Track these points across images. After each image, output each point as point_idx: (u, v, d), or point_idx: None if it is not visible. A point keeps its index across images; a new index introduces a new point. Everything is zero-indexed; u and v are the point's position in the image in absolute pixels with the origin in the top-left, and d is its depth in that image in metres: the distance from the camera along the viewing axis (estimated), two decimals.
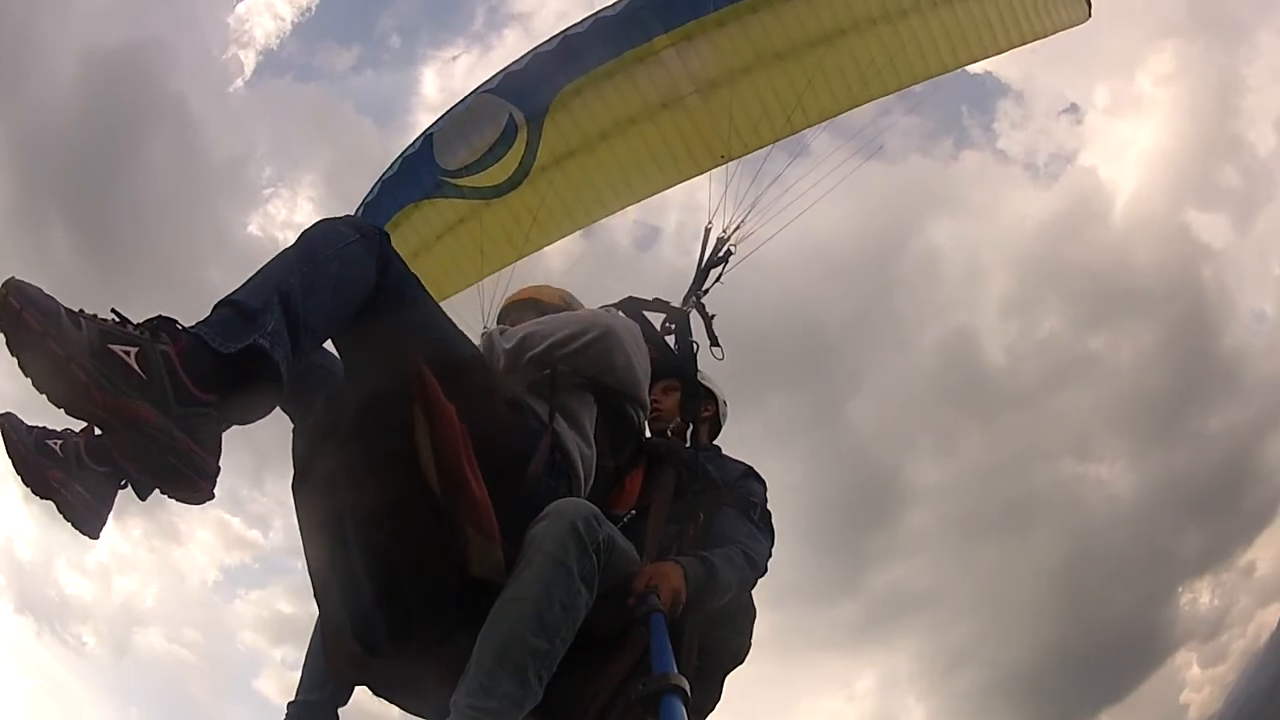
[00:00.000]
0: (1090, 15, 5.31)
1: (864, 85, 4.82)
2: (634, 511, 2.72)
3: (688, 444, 3.18)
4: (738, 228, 4.19)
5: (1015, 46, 5.06)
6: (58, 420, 2.20)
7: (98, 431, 2.25)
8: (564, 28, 5.03)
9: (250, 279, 1.88)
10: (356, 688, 2.62)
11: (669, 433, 3.25)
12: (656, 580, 2.27)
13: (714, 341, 3.68)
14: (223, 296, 1.83)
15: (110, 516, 2.23)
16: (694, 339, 3.43)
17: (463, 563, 2.02)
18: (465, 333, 2.38)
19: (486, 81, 5.14)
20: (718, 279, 4.06)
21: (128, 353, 1.62)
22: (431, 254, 5.24)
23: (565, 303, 3.15)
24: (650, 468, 2.89)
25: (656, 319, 3.47)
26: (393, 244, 2.18)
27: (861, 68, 4.78)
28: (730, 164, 4.66)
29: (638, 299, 3.41)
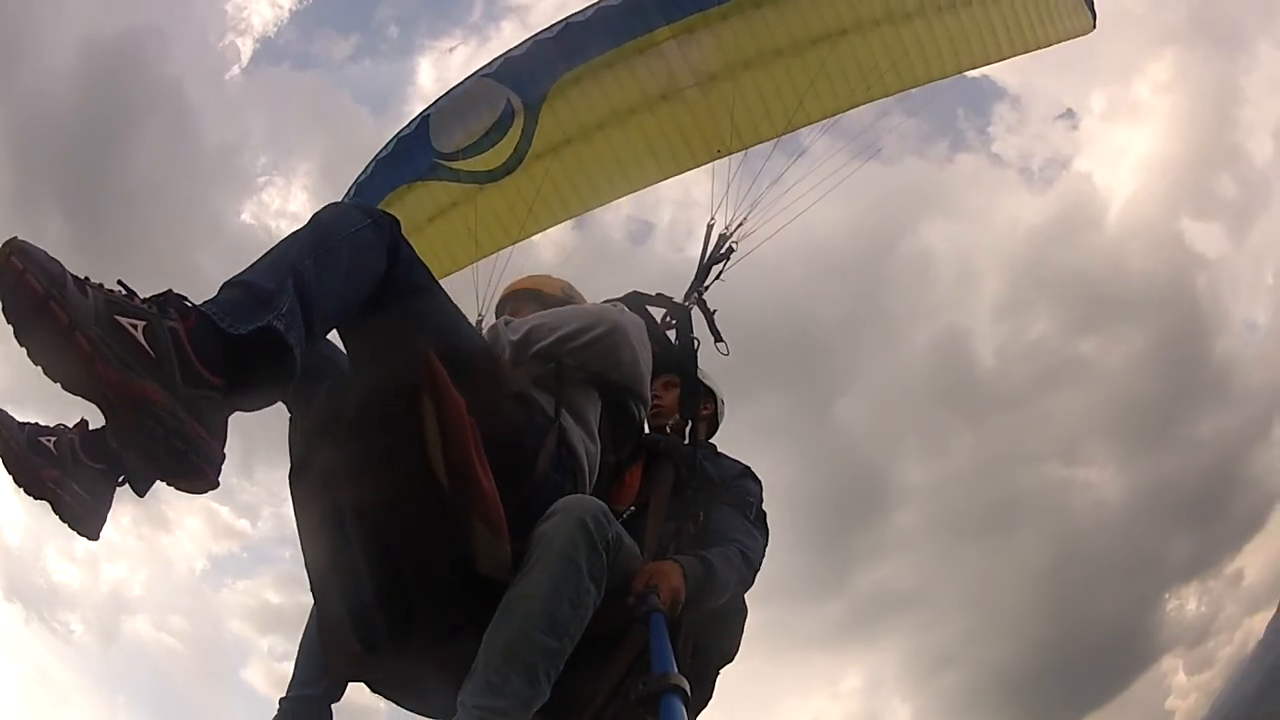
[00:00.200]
0: (1095, 26, 5.35)
1: (865, 86, 4.82)
2: (633, 508, 2.71)
3: (686, 441, 3.18)
4: (740, 224, 4.18)
5: (1018, 54, 5.08)
6: (46, 414, 2.13)
7: (92, 426, 2.16)
8: (564, 16, 5.00)
9: (260, 260, 1.80)
10: (353, 684, 2.56)
11: (668, 429, 3.25)
12: (656, 579, 2.27)
13: (718, 337, 3.67)
14: (231, 277, 1.74)
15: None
16: (695, 335, 3.42)
17: (468, 558, 1.99)
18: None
19: (486, 65, 5.10)
20: (719, 275, 4.04)
21: (134, 326, 1.52)
22: (423, 236, 5.18)
23: (567, 295, 3.13)
24: (649, 464, 2.88)
25: (658, 314, 3.46)
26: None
27: (864, 68, 4.78)
28: (732, 161, 4.65)
29: (642, 294, 3.39)
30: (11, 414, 2.05)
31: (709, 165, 4.87)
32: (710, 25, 4.85)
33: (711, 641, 2.68)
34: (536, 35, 5.03)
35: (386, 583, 2.05)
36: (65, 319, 1.43)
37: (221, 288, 1.72)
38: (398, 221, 2.10)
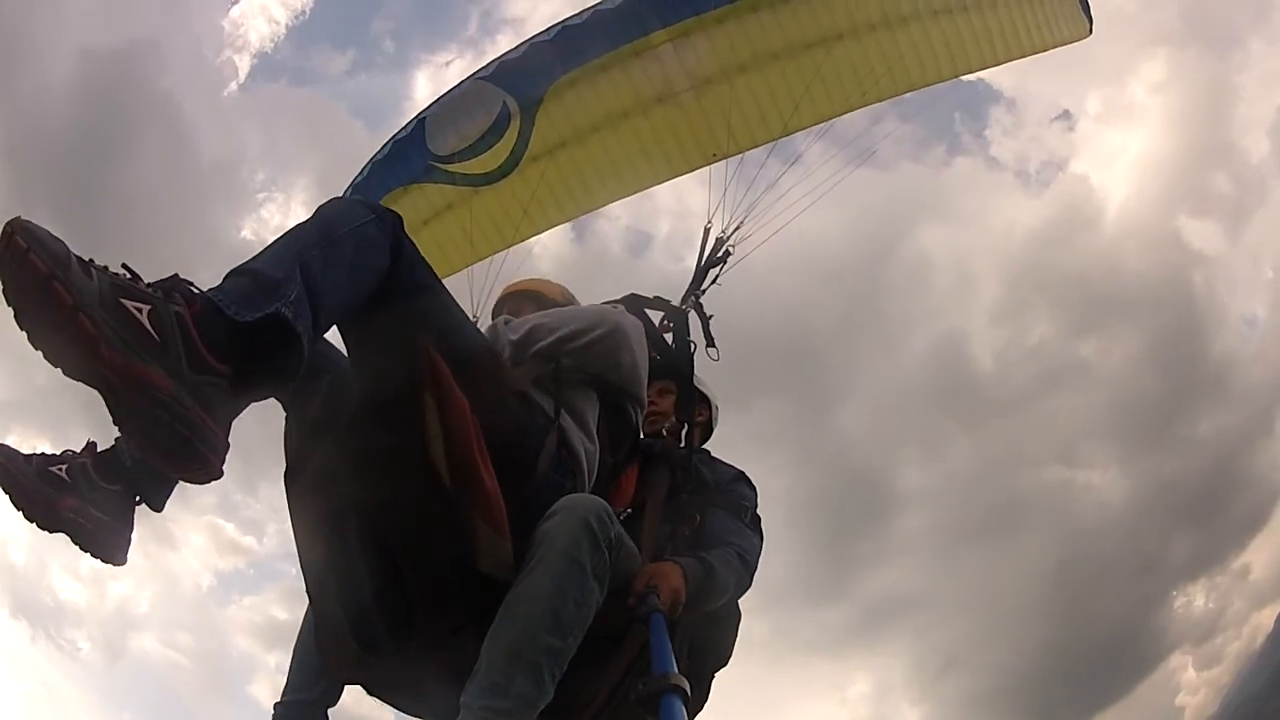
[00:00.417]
0: (1091, 31, 5.38)
1: (861, 91, 4.83)
2: (629, 510, 2.72)
3: (681, 445, 3.18)
4: (737, 228, 4.19)
5: (1014, 59, 5.11)
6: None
7: (101, 448, 2.14)
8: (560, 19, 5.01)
9: (265, 250, 1.76)
10: (348, 688, 2.56)
11: (664, 432, 3.25)
12: (656, 580, 2.28)
13: (710, 342, 3.68)
14: (236, 265, 1.70)
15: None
16: (691, 339, 3.43)
17: (470, 557, 1.97)
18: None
19: (483, 68, 5.10)
20: (715, 279, 4.05)
21: (140, 310, 1.47)
22: (418, 239, 5.05)
23: (566, 299, 3.13)
24: (644, 467, 2.88)
25: (655, 316, 3.47)
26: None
27: (859, 73, 4.80)
28: (729, 165, 4.66)
29: (640, 296, 3.40)
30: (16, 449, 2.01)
31: (705, 170, 4.88)
32: (706, 29, 4.86)
33: (707, 644, 2.69)
34: (533, 38, 5.04)
35: (386, 582, 2.03)
36: (69, 300, 1.38)
37: (227, 276, 1.68)
38: (400, 218, 2.08)
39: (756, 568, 2.73)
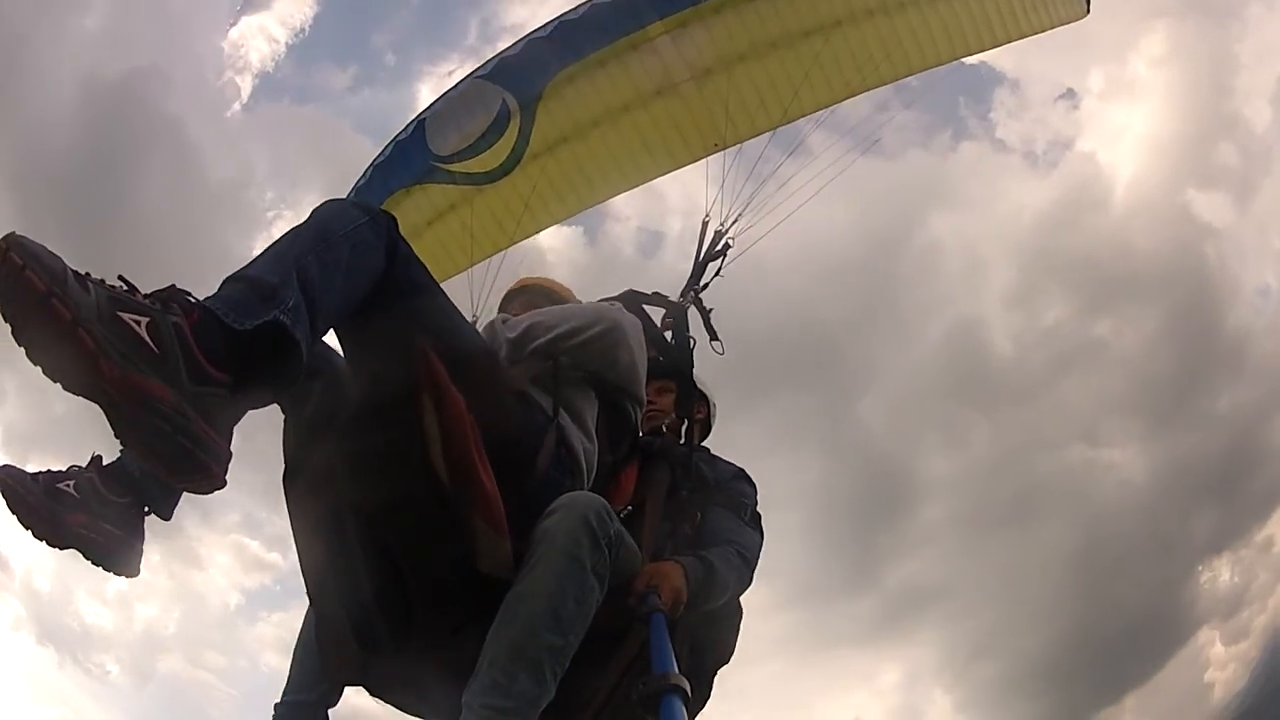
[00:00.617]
0: (1089, 11, 5.30)
1: (860, 76, 4.80)
2: (629, 508, 2.72)
3: (681, 442, 3.18)
4: (735, 220, 4.17)
5: (1012, 41, 5.05)
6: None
7: (106, 461, 2.14)
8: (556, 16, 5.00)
9: (262, 255, 1.76)
10: (348, 688, 2.54)
11: (663, 429, 3.25)
12: (657, 580, 2.28)
13: (713, 336, 3.66)
14: (233, 272, 1.70)
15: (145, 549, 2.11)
16: (691, 334, 3.42)
17: (469, 557, 1.97)
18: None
19: (480, 67, 5.10)
20: (716, 273, 4.03)
21: (138, 323, 1.47)
22: (422, 240, 5.19)
23: (573, 299, 3.13)
24: (644, 465, 2.88)
25: (655, 314, 3.46)
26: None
27: (858, 59, 4.77)
28: (726, 156, 4.64)
29: (638, 293, 3.40)
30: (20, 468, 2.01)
31: (704, 162, 4.86)
32: (703, 19, 4.84)
33: (708, 643, 2.69)
34: (530, 35, 5.03)
35: (386, 583, 2.03)
36: (68, 316, 1.38)
37: (224, 283, 1.68)
38: (395, 219, 2.07)
39: (757, 565, 2.73)
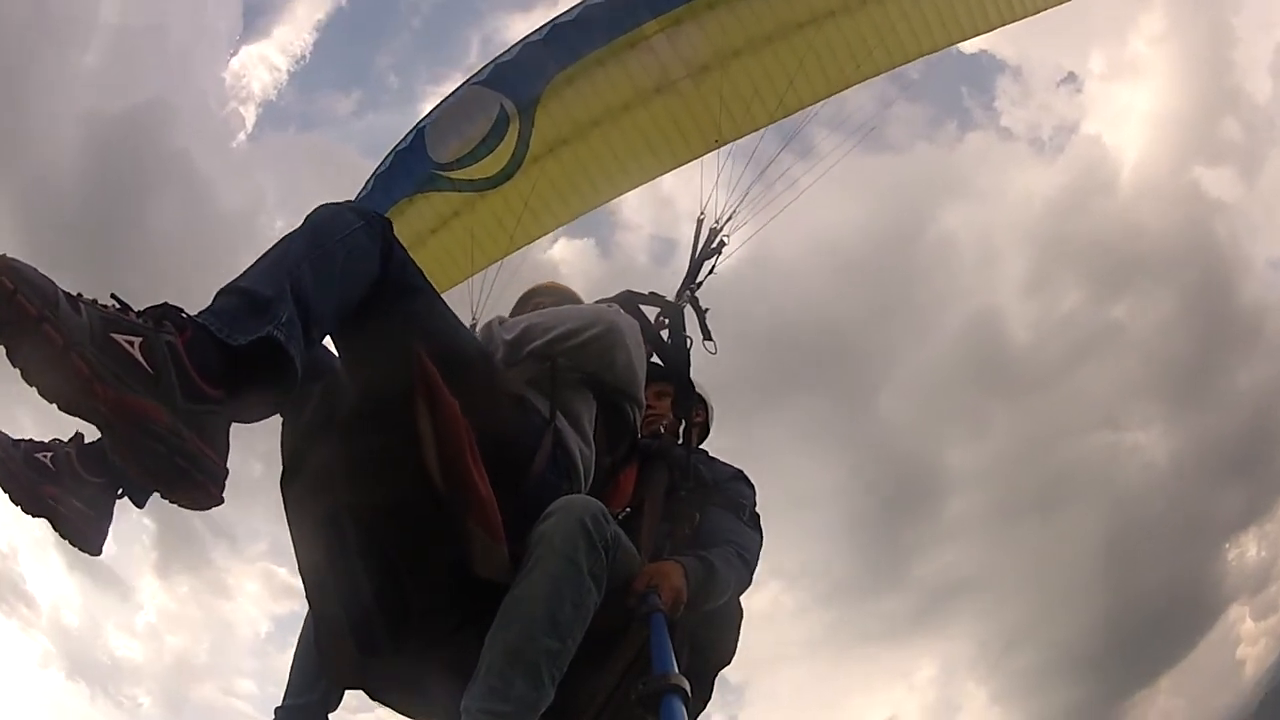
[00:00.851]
0: None
1: (855, 66, 4.78)
2: (628, 509, 2.72)
3: (679, 443, 3.18)
4: (730, 218, 4.17)
5: (1007, 23, 4.99)
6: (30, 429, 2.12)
7: (88, 439, 2.12)
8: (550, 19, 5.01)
9: (255, 265, 1.75)
10: (349, 691, 2.55)
11: (662, 430, 3.25)
12: (657, 580, 2.28)
13: (707, 335, 3.66)
14: (226, 283, 1.68)
15: (110, 532, 2.10)
16: (688, 334, 3.42)
17: (465, 561, 1.97)
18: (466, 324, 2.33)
19: (477, 73, 5.11)
20: (711, 270, 4.02)
21: (131, 343, 1.47)
22: (426, 248, 5.21)
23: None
24: (643, 466, 2.88)
25: (651, 314, 3.47)
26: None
27: (852, 48, 4.75)
28: (721, 153, 4.63)
29: (635, 293, 3.39)
30: (4, 432, 2.02)
31: (704, 162, 4.85)
32: (697, 16, 4.84)
33: (708, 643, 2.69)
34: (525, 39, 5.04)
35: (384, 585, 2.04)
36: (60, 340, 1.38)
37: (217, 295, 1.67)
38: (389, 222, 2.06)
39: (756, 565, 2.74)
